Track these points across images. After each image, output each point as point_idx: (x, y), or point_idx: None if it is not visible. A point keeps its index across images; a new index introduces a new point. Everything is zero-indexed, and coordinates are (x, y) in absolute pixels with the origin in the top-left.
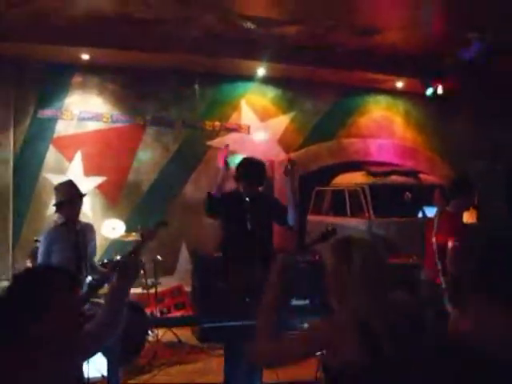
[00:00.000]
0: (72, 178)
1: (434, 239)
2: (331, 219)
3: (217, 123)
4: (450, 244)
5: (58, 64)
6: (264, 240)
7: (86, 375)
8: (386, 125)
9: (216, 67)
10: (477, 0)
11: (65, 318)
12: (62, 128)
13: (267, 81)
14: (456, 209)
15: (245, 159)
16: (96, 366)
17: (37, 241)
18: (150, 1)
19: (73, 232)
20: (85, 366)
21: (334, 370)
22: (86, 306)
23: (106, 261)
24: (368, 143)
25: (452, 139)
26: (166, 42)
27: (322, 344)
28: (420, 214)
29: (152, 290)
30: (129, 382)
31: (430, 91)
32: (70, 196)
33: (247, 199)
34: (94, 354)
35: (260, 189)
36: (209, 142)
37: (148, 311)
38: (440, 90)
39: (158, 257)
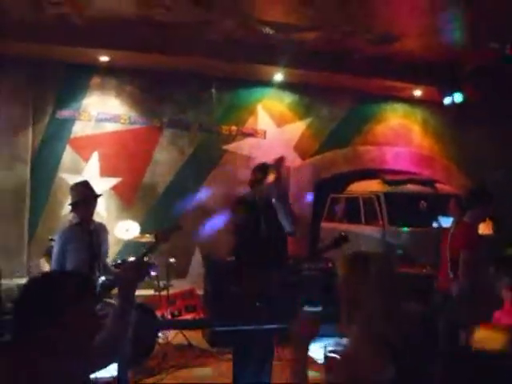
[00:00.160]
0: (88, 179)
1: (447, 249)
2: (345, 226)
3: (233, 128)
4: (462, 255)
5: (77, 65)
6: (277, 245)
7: (95, 376)
8: (403, 133)
9: (234, 72)
10: (496, 7)
11: (80, 322)
12: (80, 129)
13: (284, 86)
14: (472, 219)
15: (260, 165)
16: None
17: (52, 240)
18: (169, 4)
19: (87, 232)
20: None
21: None
22: (99, 306)
23: (119, 261)
24: (384, 151)
25: (469, 148)
26: (185, 46)
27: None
28: (435, 224)
29: (164, 292)
30: (138, 383)
31: (448, 100)
32: (85, 196)
33: (260, 203)
34: (106, 364)
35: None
36: (225, 147)
37: (159, 313)
38: (458, 99)
39: (171, 259)
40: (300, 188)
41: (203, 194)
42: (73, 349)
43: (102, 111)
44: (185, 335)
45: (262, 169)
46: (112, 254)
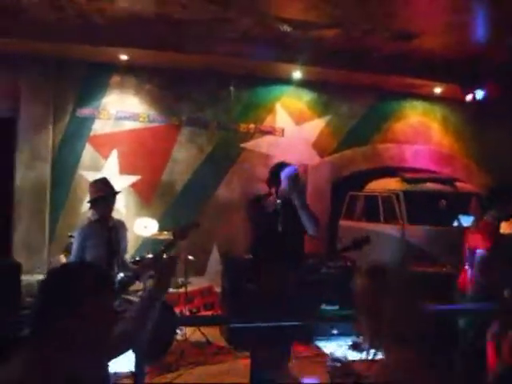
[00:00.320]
0: (107, 176)
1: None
2: (364, 225)
3: (251, 126)
4: (478, 252)
5: (97, 64)
6: (295, 243)
7: (113, 371)
8: (422, 131)
9: (252, 70)
10: None
11: (98, 314)
12: (99, 127)
13: (303, 84)
14: (493, 218)
15: (278, 164)
16: (124, 361)
17: (71, 236)
18: (187, 2)
19: (106, 228)
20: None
21: None
22: (117, 303)
23: (137, 258)
24: (403, 149)
25: (490, 146)
26: (203, 44)
27: None
28: (455, 223)
29: (182, 290)
30: (156, 379)
31: (469, 97)
32: (103, 193)
33: (278, 201)
34: (122, 353)
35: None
36: (243, 145)
37: (177, 310)
38: (479, 96)
39: (190, 257)
40: (318, 186)
41: (221, 192)
42: (90, 341)
43: (121, 109)
44: (203, 332)
45: (280, 168)
46: (130, 250)
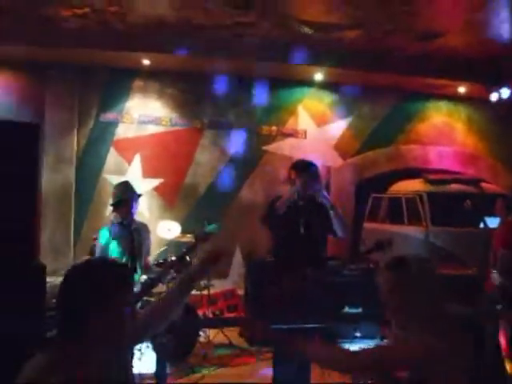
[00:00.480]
0: (131, 180)
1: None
2: (387, 227)
3: (273, 128)
4: (500, 252)
5: (120, 69)
6: (317, 244)
7: (137, 371)
8: (446, 131)
9: (274, 72)
10: None
11: (119, 310)
12: (122, 131)
13: (325, 86)
14: None
15: (298, 161)
16: (147, 363)
17: (95, 239)
18: (208, 7)
19: (128, 231)
20: (137, 362)
21: None
22: (140, 304)
23: (161, 261)
24: (427, 150)
25: None
26: (225, 47)
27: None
28: (481, 225)
29: (205, 292)
30: (179, 381)
31: (494, 96)
32: (126, 196)
33: (301, 202)
34: (141, 341)
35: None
36: (265, 147)
37: (200, 312)
38: (506, 95)
39: None
40: (341, 188)
41: (244, 195)
42: (111, 338)
43: (144, 113)
44: (226, 334)
45: (301, 165)
46: (154, 253)
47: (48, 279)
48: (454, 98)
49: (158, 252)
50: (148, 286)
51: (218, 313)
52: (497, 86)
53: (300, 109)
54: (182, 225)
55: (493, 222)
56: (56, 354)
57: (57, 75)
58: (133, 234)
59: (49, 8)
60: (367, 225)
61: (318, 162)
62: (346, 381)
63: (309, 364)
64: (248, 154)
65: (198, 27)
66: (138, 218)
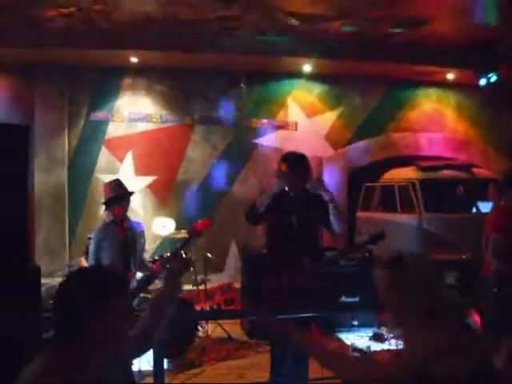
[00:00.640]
0: (123, 178)
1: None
2: (381, 215)
3: (264, 121)
4: (492, 236)
5: (108, 68)
6: (310, 236)
7: (137, 368)
8: (437, 118)
9: (262, 65)
10: None
11: (115, 315)
12: (113, 130)
13: (313, 77)
14: (509, 202)
15: (287, 154)
16: (147, 359)
17: (90, 238)
18: (193, 2)
19: (121, 229)
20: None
21: None
22: (136, 301)
23: (156, 257)
24: (418, 137)
25: (507, 130)
26: (212, 42)
27: None
28: (474, 210)
29: (202, 287)
30: (178, 376)
31: (483, 81)
32: (117, 194)
33: (292, 194)
34: (144, 351)
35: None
36: (256, 140)
37: (198, 307)
38: (493, 80)
39: (208, 254)
40: (333, 178)
41: (237, 189)
42: (109, 340)
43: (134, 111)
44: (224, 328)
45: (290, 158)
46: (150, 250)
47: (44, 281)
48: (444, 85)
49: (152, 246)
50: (144, 283)
51: (215, 307)
52: (486, 72)
53: (290, 101)
54: (177, 221)
55: (485, 207)
56: (54, 356)
57: (45, 76)
58: (126, 232)
59: (34, 8)
60: (361, 214)
61: (310, 153)
62: None
63: (307, 357)
64: (239, 147)
65: (184, 23)
66: (132, 215)
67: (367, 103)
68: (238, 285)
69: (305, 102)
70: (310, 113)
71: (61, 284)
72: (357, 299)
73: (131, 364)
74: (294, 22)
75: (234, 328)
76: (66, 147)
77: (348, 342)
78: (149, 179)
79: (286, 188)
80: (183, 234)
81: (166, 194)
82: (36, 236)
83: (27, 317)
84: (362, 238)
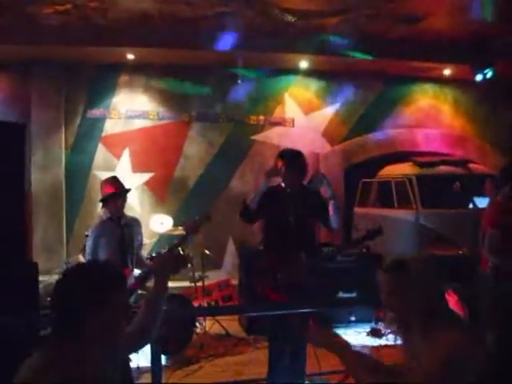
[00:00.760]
0: (121, 175)
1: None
2: (378, 211)
3: (261, 117)
4: (489, 232)
5: (105, 65)
6: (307, 232)
7: (135, 365)
8: (433, 114)
9: (259, 62)
10: None
11: (112, 311)
12: (110, 127)
13: (310, 73)
14: (506, 198)
15: (284, 150)
16: (145, 356)
17: (87, 236)
18: None
19: (118, 226)
20: (135, 356)
21: None
22: (133, 298)
23: (154, 254)
24: (415, 133)
25: (504, 126)
26: (209, 39)
27: None
28: (470, 205)
29: (199, 284)
30: (176, 372)
31: (479, 77)
32: (113, 191)
33: (288, 190)
34: (140, 347)
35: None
36: (253, 137)
37: (196, 304)
38: (490, 75)
39: (206, 251)
40: (330, 174)
41: (234, 185)
42: (106, 337)
43: (131, 108)
44: (222, 325)
45: (287, 155)
46: (148, 247)
47: (42, 278)
48: (440, 81)
49: (149, 242)
50: (142, 280)
51: (213, 304)
52: (482, 67)
53: (287, 97)
54: (174, 218)
55: (482, 203)
56: (52, 353)
57: (41, 73)
58: (123, 229)
59: (30, 6)
60: (358, 210)
61: (307, 150)
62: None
63: (304, 352)
64: (236, 144)
65: (181, 19)
66: (130, 212)
67: (363, 99)
68: (235, 281)
69: (302, 98)
70: (307, 109)
71: (58, 280)
72: (354, 295)
73: (129, 360)
74: (290, 18)
75: (231, 324)
76: (63, 145)
77: (345, 338)
78: (146, 176)
79: (283, 184)
80: (181, 230)
81: (163, 191)
82: (33, 233)
83: (25, 314)
84: (359, 233)
